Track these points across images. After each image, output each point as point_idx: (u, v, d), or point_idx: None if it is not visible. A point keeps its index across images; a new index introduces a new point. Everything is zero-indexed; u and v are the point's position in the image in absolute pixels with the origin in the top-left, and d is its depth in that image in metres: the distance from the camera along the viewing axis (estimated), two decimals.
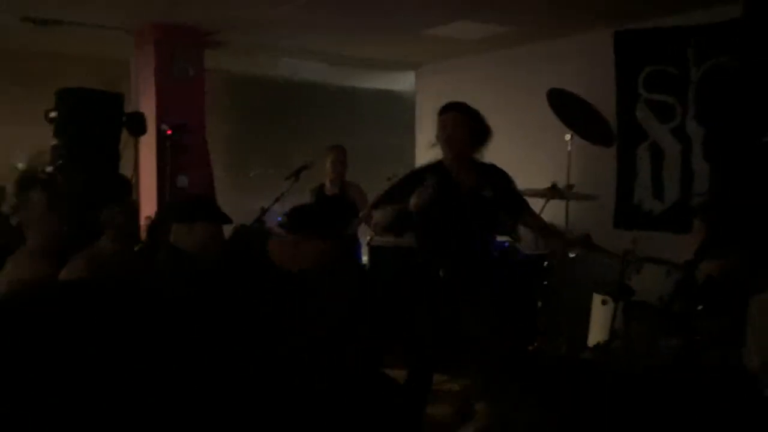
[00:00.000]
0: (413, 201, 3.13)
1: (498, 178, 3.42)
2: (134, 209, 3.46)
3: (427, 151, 3.55)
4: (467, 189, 3.29)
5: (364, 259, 6.03)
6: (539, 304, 4.53)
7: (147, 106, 5.51)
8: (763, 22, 1.78)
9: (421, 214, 3.17)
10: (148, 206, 5.54)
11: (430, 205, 3.12)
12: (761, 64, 1.71)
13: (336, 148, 5.13)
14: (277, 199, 4.87)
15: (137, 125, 4.60)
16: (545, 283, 4.75)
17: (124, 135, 4.72)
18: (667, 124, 5.03)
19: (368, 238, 5.94)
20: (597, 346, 4.13)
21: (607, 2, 4.68)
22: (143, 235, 4.14)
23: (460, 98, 3.48)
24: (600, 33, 5.29)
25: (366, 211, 3.57)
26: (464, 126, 3.25)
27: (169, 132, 5.32)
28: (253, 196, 4.83)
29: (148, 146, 5.45)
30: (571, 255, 4.63)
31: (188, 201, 3.14)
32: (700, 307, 3.62)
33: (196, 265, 2.72)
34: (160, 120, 5.42)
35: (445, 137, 3.24)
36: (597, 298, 4.49)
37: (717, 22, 4.60)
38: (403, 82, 7.30)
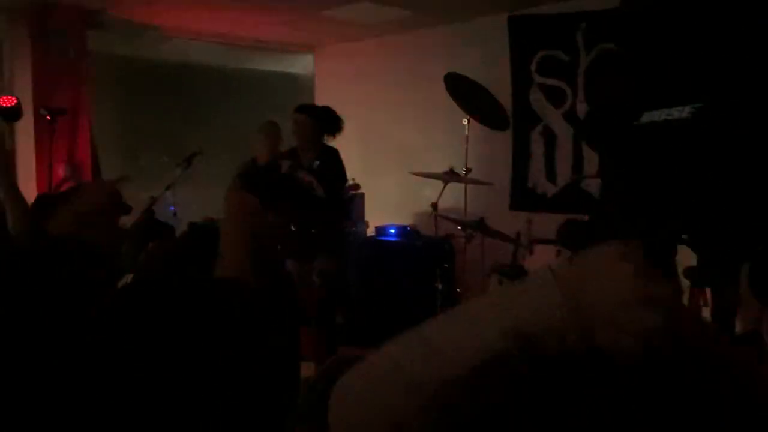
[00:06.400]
0: None
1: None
2: None
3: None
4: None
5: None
6: (439, 286, 4.56)
7: (23, 89, 5.11)
8: (638, 10, 1.82)
9: None
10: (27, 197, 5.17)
11: None
12: (638, 50, 1.75)
13: (266, 125, 4.78)
14: (167, 188, 4.67)
15: (11, 110, 4.29)
16: (446, 265, 4.79)
17: None
18: (559, 109, 5.16)
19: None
20: None
21: None
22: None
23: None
24: (496, 18, 5.35)
25: None
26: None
27: (49, 117, 4.97)
28: (145, 185, 4.60)
29: (25, 133, 5.08)
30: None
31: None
32: None
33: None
34: (38, 105, 5.05)
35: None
36: (494, 279, 4.57)
37: (604, 9, 4.73)
38: (301, 64, 7.16)
